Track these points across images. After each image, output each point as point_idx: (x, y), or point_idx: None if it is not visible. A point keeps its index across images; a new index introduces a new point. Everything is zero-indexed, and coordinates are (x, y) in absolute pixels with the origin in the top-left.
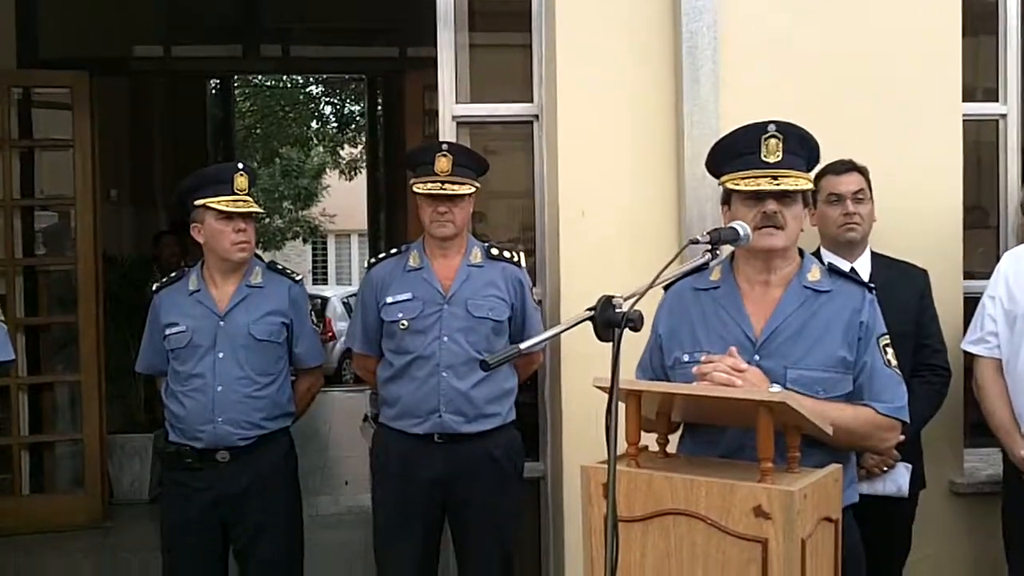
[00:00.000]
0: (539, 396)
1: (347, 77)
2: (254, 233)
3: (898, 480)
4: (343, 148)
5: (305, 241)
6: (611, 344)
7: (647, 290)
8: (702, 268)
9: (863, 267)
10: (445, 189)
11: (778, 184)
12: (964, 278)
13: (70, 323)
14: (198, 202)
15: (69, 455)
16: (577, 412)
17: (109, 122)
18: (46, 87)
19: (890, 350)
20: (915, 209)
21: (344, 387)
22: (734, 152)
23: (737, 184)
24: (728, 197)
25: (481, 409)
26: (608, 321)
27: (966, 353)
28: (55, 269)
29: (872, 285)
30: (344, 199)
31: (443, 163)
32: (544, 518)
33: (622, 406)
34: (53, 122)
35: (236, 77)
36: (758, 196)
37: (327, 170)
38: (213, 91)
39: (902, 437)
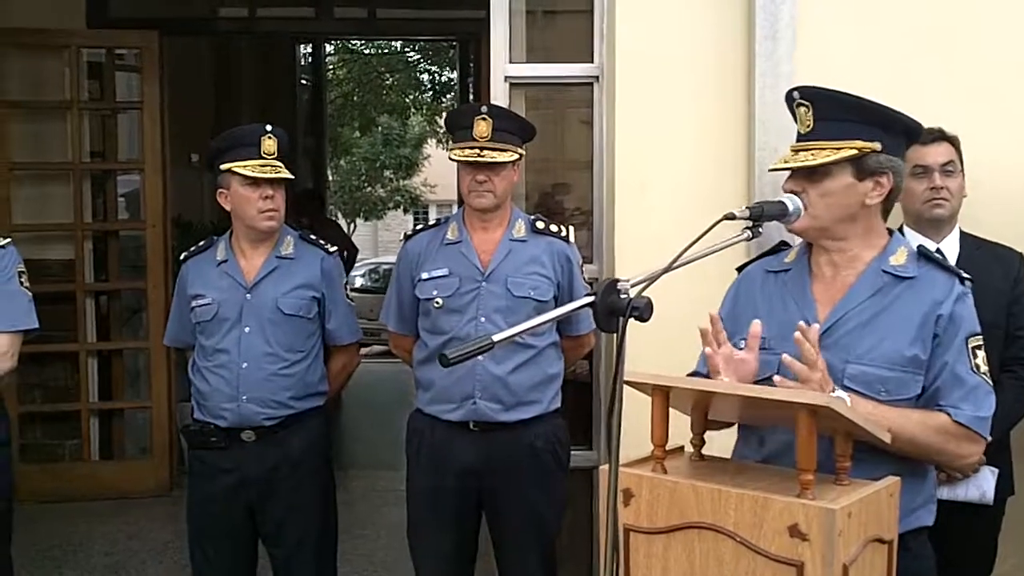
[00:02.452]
0: (594, 382)
1: (443, 43)
2: (283, 201)
3: (983, 485)
4: (441, 117)
5: (406, 211)
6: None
7: (661, 274)
8: (779, 250)
9: (950, 248)
10: (484, 156)
11: (798, 159)
12: None
13: (140, 289)
14: (224, 166)
15: (138, 422)
16: (631, 399)
17: (191, 85)
18: (116, 47)
19: (980, 353)
20: (1012, 185)
21: None
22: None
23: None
24: None
25: (520, 396)
26: (611, 308)
27: None
28: (127, 234)
29: (969, 277)
30: (445, 169)
31: (482, 127)
32: (597, 509)
33: (647, 402)
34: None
35: (330, 42)
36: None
37: (427, 140)
38: (306, 59)
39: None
